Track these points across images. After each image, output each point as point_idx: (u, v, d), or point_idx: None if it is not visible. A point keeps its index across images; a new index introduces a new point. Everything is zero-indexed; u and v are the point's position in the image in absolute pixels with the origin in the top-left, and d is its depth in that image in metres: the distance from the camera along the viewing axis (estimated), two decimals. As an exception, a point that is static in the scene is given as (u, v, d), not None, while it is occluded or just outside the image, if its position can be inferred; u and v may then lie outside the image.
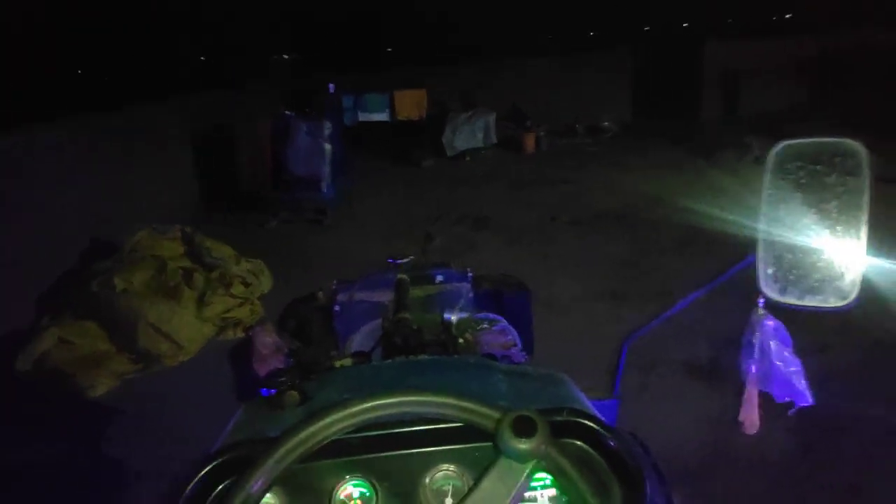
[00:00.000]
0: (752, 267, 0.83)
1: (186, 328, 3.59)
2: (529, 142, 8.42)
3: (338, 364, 1.03)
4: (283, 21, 13.46)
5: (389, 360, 0.91)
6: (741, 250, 4.48)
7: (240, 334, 3.79)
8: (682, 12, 15.31)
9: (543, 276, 4.22)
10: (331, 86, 6.30)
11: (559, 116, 8.90)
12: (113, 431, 2.92)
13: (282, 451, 0.54)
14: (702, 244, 4.63)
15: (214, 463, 0.59)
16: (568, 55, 9.68)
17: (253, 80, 8.60)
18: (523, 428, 0.53)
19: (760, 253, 0.79)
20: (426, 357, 0.89)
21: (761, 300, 1.44)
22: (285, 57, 14.74)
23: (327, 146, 5.77)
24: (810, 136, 0.89)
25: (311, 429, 0.56)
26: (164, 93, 7.94)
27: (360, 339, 1.53)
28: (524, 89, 8.93)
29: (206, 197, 6.64)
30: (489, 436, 0.55)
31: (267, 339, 1.43)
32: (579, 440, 0.61)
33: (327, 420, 0.57)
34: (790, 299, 0.77)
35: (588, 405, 0.70)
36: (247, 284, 4.12)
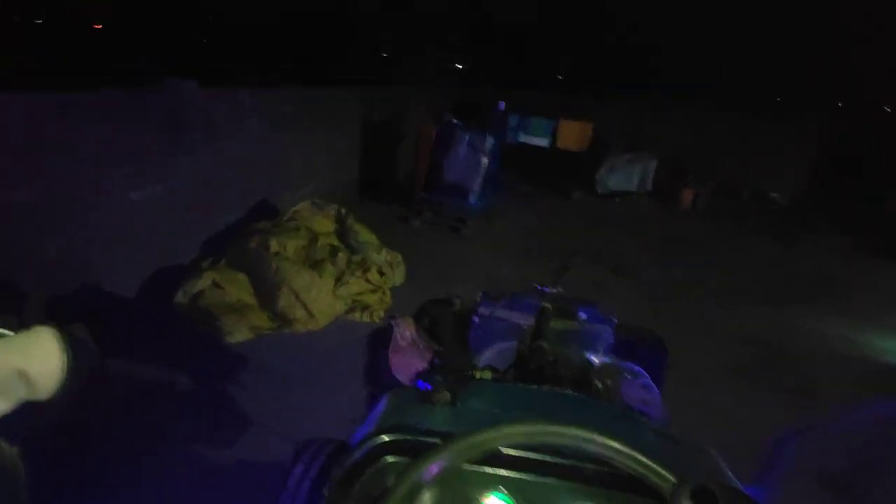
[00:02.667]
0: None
1: (322, 301, 3.82)
2: (686, 197, 8.06)
3: (478, 375, 1.06)
4: (463, 28, 13.93)
5: (535, 386, 0.93)
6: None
7: (366, 318, 3.98)
8: (875, 87, 13.99)
9: (673, 338, 4.03)
10: (501, 103, 6.44)
11: (724, 178, 8.45)
12: (241, 376, 3.18)
13: (460, 445, 0.57)
14: (859, 343, 4.21)
15: (382, 439, 0.63)
16: (747, 114, 9.14)
17: (425, 83, 8.99)
18: (703, 500, 0.52)
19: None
20: (572, 393, 0.90)
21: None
22: (458, 66, 15.28)
23: (485, 160, 5.90)
24: None
25: (492, 434, 0.59)
26: (346, 79, 8.53)
27: (491, 356, 1.56)
28: (692, 142, 8.58)
29: (362, 183, 7.04)
30: (658, 496, 0.55)
31: (406, 333, 1.50)
32: None
33: (509, 431, 0.59)
34: None
35: (742, 487, 0.68)
36: (382, 273, 4.31)
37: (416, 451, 0.59)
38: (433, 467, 0.56)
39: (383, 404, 0.81)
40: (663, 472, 0.56)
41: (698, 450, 0.76)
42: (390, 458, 0.62)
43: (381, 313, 4.06)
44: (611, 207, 7.79)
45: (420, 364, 1.49)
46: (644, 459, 0.57)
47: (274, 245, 4.04)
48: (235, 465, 2.49)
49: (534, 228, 6.52)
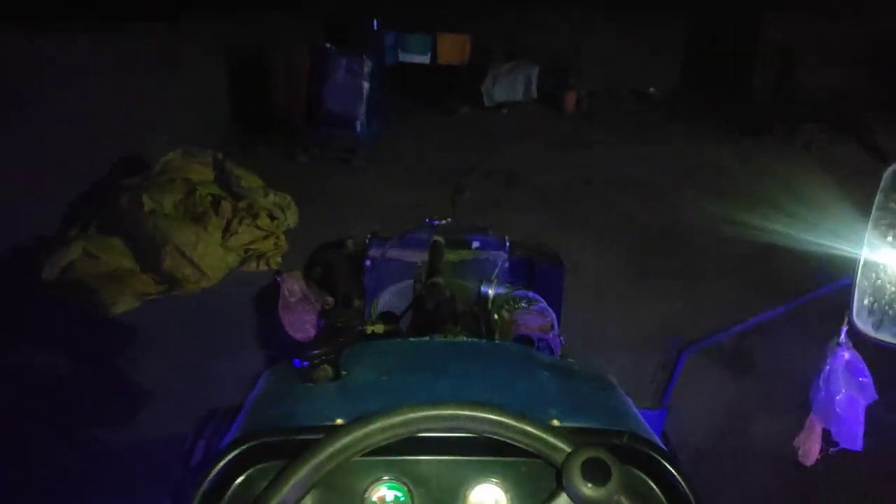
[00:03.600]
0: (842, 291, 0.75)
1: (211, 255, 3.59)
2: (570, 101, 8.16)
3: (369, 330, 0.99)
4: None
5: (427, 339, 0.86)
6: (773, 236, 4.37)
7: (262, 267, 3.80)
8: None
9: (570, 241, 4.16)
10: (374, 22, 6.11)
11: (604, 78, 8.60)
12: (130, 349, 2.96)
13: (323, 455, 0.50)
14: (738, 224, 4.51)
15: (241, 448, 0.55)
16: (618, 14, 9.23)
17: (291, 5, 8.36)
18: (595, 472, 0.48)
19: (859, 278, 0.71)
20: (466, 340, 0.84)
21: (844, 328, 1.33)
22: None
23: (365, 84, 5.65)
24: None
25: (360, 432, 0.51)
26: (198, 7, 7.70)
27: (388, 299, 1.49)
28: (571, 45, 8.61)
29: (237, 123, 6.57)
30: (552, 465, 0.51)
31: (295, 287, 1.39)
32: (637, 468, 0.57)
33: (378, 425, 0.52)
34: (884, 336, 0.70)
35: (641, 420, 0.66)
36: (273, 218, 4.10)
37: (290, 453, 0.52)
38: (293, 491, 0.49)
39: (258, 389, 0.73)
40: (558, 443, 0.51)
41: (600, 382, 0.74)
42: (261, 465, 0.54)
43: (279, 259, 3.90)
44: (498, 119, 7.77)
45: (314, 319, 1.40)
46: (535, 432, 0.52)
47: (147, 202, 3.72)
48: (134, 445, 2.34)
49: (425, 150, 6.40)
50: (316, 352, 0.69)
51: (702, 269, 3.93)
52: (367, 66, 5.60)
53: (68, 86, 4.03)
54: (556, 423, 0.57)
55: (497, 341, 0.84)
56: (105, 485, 2.23)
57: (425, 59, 8.10)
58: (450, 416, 0.53)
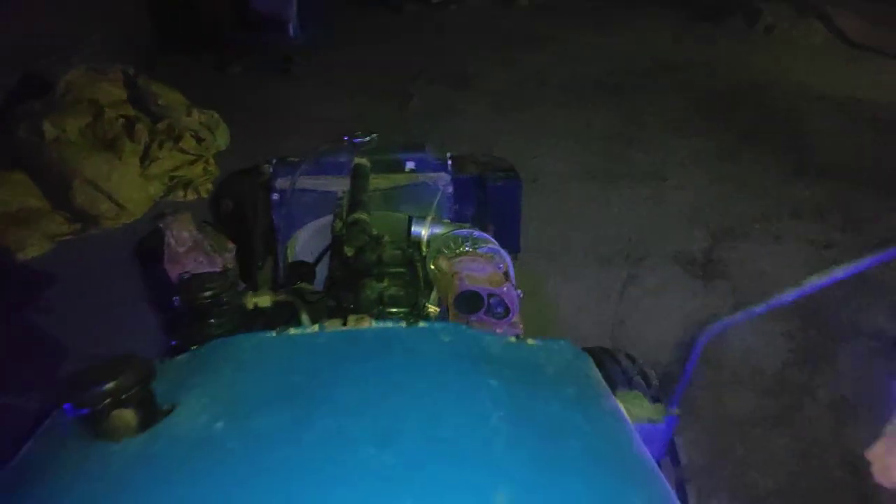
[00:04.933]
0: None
1: (128, 186, 3.20)
2: (522, -8, 7.59)
3: (251, 303, 0.71)
4: None
5: (315, 331, 0.58)
6: (742, 127, 4.14)
7: (192, 196, 3.44)
8: None
9: (527, 146, 3.87)
10: None
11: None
12: (42, 298, 2.64)
13: None
14: (700, 123, 4.27)
15: None
16: None
17: None
18: None
19: None
20: (375, 328, 0.56)
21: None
22: None
23: (294, -20, 5.05)
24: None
25: None
26: None
27: (304, 240, 1.20)
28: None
29: (157, 34, 5.88)
30: None
31: (183, 234, 1.09)
32: None
33: None
34: None
35: (643, 458, 0.42)
36: (199, 140, 3.68)
37: None
38: None
39: (14, 465, 0.45)
40: None
41: (572, 389, 0.49)
42: None
43: (209, 186, 3.52)
44: (446, 16, 7.19)
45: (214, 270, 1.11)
46: None
47: (49, 129, 3.26)
48: (49, 404, 2.07)
49: (369, 54, 5.87)
50: (104, 387, 0.41)
51: (664, 171, 3.70)
52: (296, -40, 4.99)
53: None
54: None
55: (423, 325, 0.57)
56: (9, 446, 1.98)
57: (362, -51, 7.35)
58: None
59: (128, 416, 0.42)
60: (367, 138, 1.16)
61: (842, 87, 4.70)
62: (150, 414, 0.42)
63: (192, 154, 3.57)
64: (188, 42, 5.52)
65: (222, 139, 3.90)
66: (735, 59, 5.39)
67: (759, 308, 0.59)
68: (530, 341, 0.58)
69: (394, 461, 0.37)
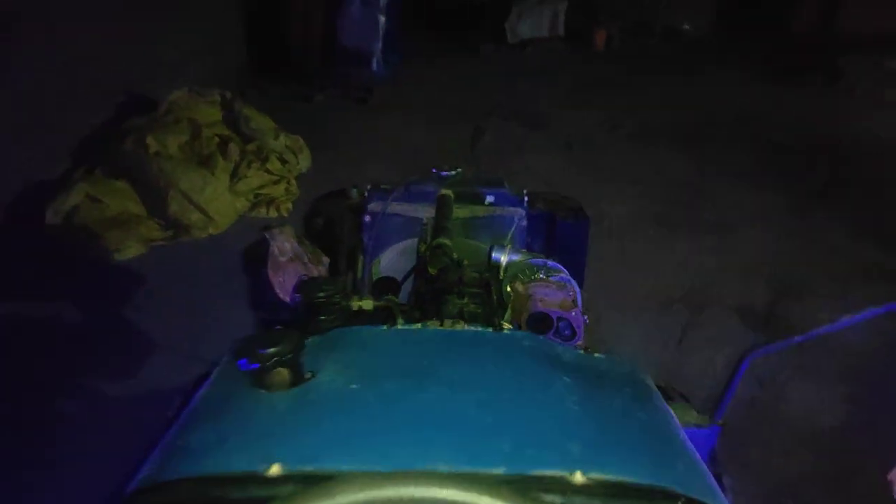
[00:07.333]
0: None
1: (218, 200, 3.46)
2: (600, 38, 7.72)
3: (356, 305, 0.83)
4: None
5: (418, 328, 0.71)
6: (816, 184, 4.09)
7: (273, 213, 3.66)
8: None
9: (595, 188, 3.95)
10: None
11: (636, 15, 8.10)
12: (136, 297, 2.87)
13: None
14: (773, 177, 4.24)
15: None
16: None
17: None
18: None
19: None
20: (467, 330, 0.68)
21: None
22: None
23: (382, 18, 5.35)
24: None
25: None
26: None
27: (391, 259, 1.34)
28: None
29: (253, 63, 6.32)
30: None
31: (286, 245, 1.24)
32: None
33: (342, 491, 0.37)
34: None
35: (688, 452, 0.50)
36: (284, 161, 3.94)
37: None
38: None
39: (200, 394, 0.58)
40: None
41: (630, 390, 0.59)
42: None
43: (290, 205, 3.75)
44: (523, 57, 7.40)
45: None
46: None
47: (152, 144, 3.57)
48: (138, 396, 2.27)
49: (445, 90, 6.12)
50: (270, 350, 0.54)
51: (732, 223, 3.70)
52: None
53: (73, 24, 3.83)
54: (579, 477, 0.42)
55: (507, 331, 0.68)
56: (107, 436, 2.17)
57: (446, -8, 7.68)
58: (419, 487, 0.38)
59: (284, 373, 0.54)
60: (453, 172, 1.30)
61: (924, 149, 4.59)
62: (299, 375, 0.55)
63: (277, 175, 3.82)
64: (280, 72, 5.91)
65: (304, 162, 4.15)
66: (814, 115, 5.33)
67: (799, 338, 0.66)
68: (596, 354, 0.68)
69: (490, 420, 0.48)
